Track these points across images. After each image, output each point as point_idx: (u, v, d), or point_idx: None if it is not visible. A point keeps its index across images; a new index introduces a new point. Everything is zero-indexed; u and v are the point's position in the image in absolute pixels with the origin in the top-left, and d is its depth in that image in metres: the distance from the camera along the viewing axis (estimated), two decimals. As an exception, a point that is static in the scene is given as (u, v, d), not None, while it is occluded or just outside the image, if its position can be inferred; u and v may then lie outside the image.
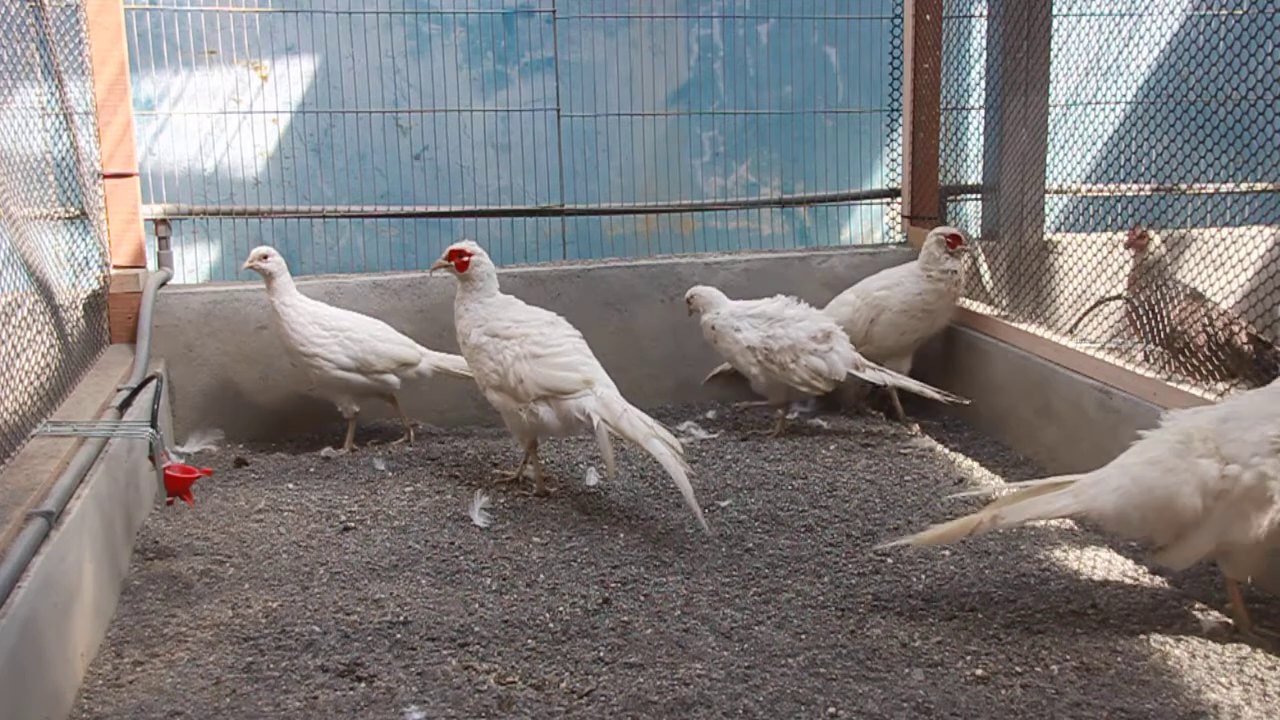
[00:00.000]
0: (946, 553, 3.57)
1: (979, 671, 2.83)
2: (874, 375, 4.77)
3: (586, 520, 3.91)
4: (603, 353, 5.09)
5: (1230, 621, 3.07)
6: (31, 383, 3.37)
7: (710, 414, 5.13)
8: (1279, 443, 2.83)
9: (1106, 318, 4.43)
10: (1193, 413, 3.09)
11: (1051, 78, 5.02)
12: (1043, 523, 3.65)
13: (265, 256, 4.52)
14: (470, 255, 4.15)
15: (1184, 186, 4.03)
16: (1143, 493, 2.96)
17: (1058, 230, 5.31)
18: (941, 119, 5.54)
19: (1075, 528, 3.79)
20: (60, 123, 4.32)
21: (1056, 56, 4.99)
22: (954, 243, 4.86)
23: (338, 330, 4.59)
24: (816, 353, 4.67)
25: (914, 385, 4.78)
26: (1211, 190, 4.19)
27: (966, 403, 4.75)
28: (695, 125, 6.16)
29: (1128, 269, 4.47)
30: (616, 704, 2.69)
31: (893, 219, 5.83)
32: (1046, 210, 5.24)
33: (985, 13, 5.44)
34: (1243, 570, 3.01)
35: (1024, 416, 4.46)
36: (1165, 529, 2.97)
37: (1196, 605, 3.20)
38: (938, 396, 4.74)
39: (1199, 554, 2.97)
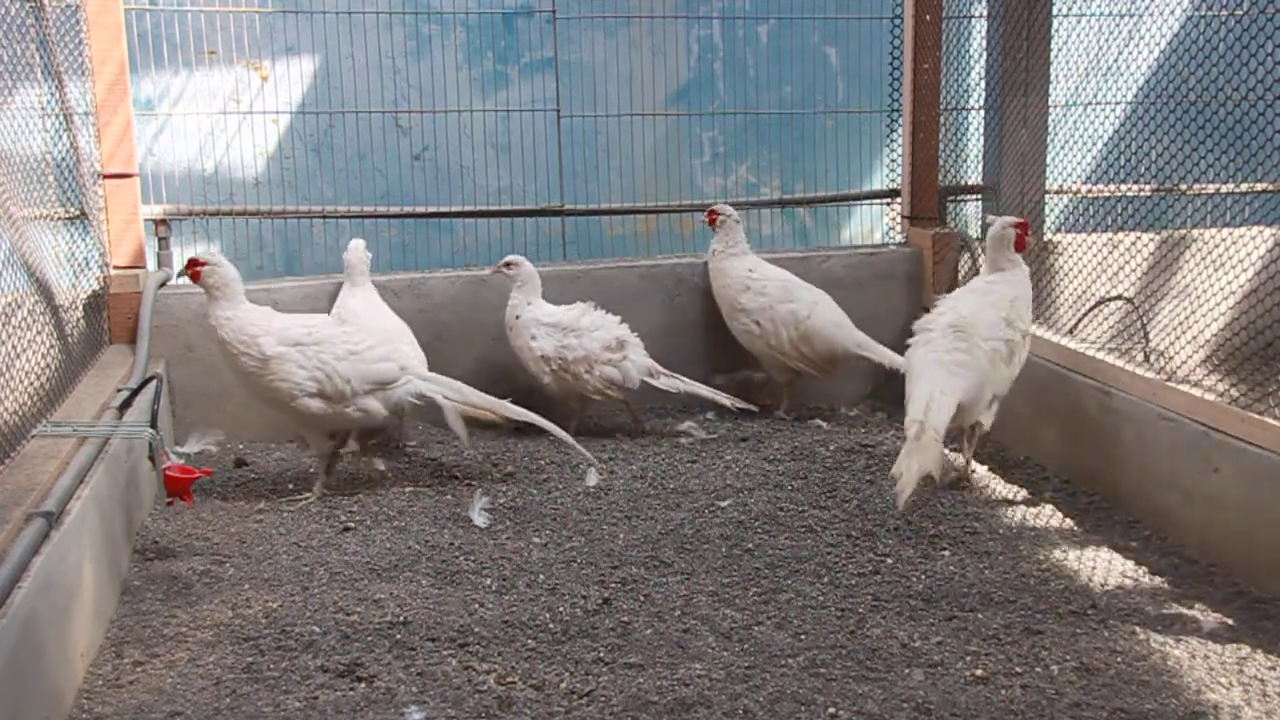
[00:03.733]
0: (946, 552, 3.57)
1: (979, 671, 2.83)
2: (667, 383, 4.79)
3: (586, 520, 3.91)
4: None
5: (1227, 619, 3.08)
6: (31, 383, 3.37)
7: (710, 414, 5.12)
8: (1005, 320, 3.93)
9: (1106, 318, 4.43)
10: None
11: (1051, 78, 5.02)
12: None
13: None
14: (204, 264, 3.97)
15: (1184, 186, 4.03)
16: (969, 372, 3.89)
17: (1058, 230, 5.31)
18: (941, 119, 5.53)
19: (1075, 528, 3.79)
20: (60, 123, 4.32)
21: (1056, 56, 4.99)
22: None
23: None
24: (610, 362, 4.69)
25: (704, 391, 4.82)
26: (1211, 190, 4.19)
27: (755, 409, 4.91)
28: (695, 125, 6.16)
29: None
30: (616, 704, 2.69)
31: (893, 219, 5.83)
32: (1046, 210, 5.25)
33: (985, 13, 5.45)
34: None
35: (1024, 416, 4.46)
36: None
37: (1196, 605, 3.20)
38: (727, 403, 4.85)
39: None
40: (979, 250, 5.26)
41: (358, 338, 4.16)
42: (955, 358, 3.86)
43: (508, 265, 4.71)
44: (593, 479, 4.29)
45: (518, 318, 4.73)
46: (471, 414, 4.22)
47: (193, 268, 4.00)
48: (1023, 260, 4.19)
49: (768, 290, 4.96)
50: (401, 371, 4.14)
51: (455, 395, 4.17)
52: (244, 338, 3.99)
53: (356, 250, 4.79)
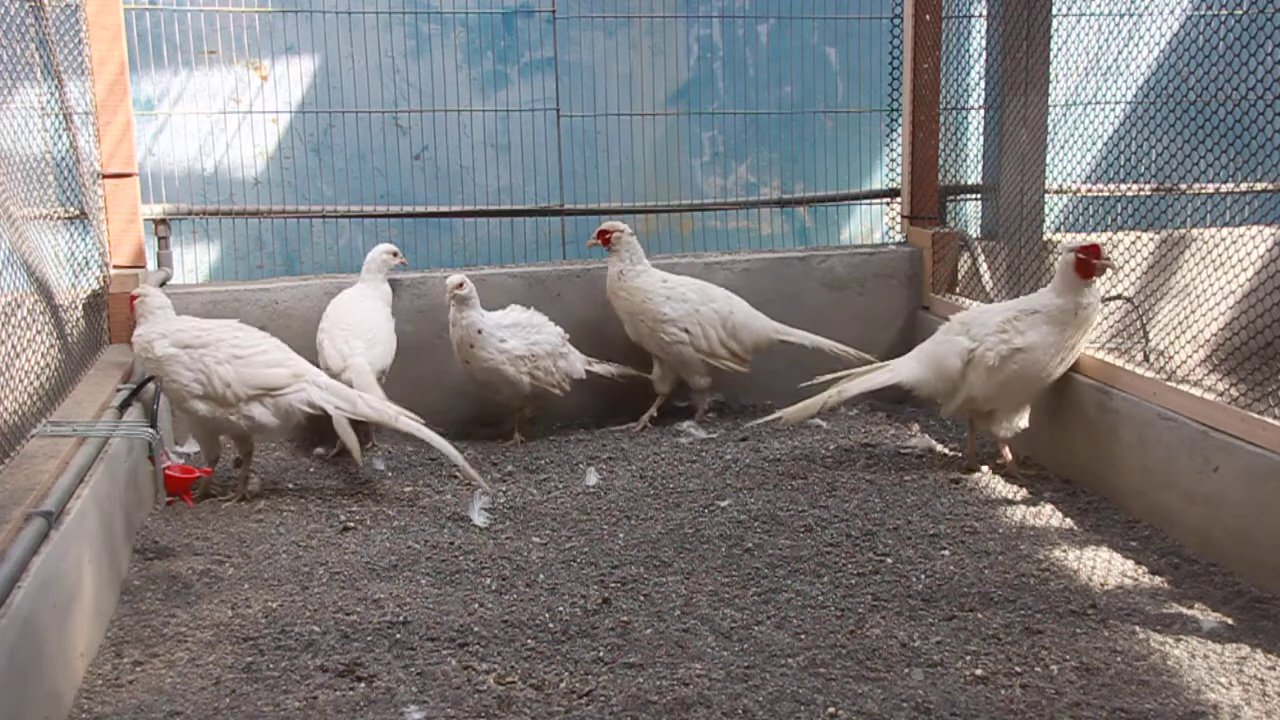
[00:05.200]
0: (946, 552, 3.57)
1: (979, 671, 2.83)
2: (602, 368, 4.97)
3: (586, 520, 3.91)
4: (603, 352, 5.10)
5: (1227, 619, 3.08)
6: (31, 383, 3.37)
7: (711, 414, 5.12)
8: (1003, 326, 4.06)
9: (1106, 317, 4.43)
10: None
11: (1051, 78, 5.02)
12: (864, 390, 4.39)
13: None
14: (135, 297, 4.14)
15: (1184, 186, 4.03)
16: (930, 359, 4.27)
17: (1058, 230, 5.31)
18: (941, 119, 5.54)
19: (1075, 528, 3.79)
20: (60, 123, 4.32)
21: (1056, 56, 4.99)
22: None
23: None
24: (564, 354, 4.81)
25: (632, 371, 5.04)
26: (1211, 190, 4.19)
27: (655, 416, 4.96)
28: (695, 125, 6.15)
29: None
30: (616, 704, 2.69)
31: (892, 219, 5.83)
32: (1046, 210, 5.24)
33: (985, 13, 5.45)
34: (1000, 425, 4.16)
35: (1024, 416, 4.46)
36: (944, 386, 4.22)
37: (1196, 605, 3.20)
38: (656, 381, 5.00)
39: (959, 404, 4.20)
40: (978, 250, 5.26)
41: (250, 342, 4.06)
42: (924, 346, 4.38)
43: (459, 287, 4.57)
44: (593, 479, 4.29)
45: (479, 332, 4.61)
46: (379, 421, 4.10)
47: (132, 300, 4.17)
48: (1088, 288, 3.98)
49: (688, 296, 4.91)
50: (294, 378, 4.01)
51: (346, 405, 4.01)
52: (143, 342, 4.01)
53: (376, 250, 4.84)
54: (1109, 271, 4.03)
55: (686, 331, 4.89)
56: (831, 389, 4.33)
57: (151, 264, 5.01)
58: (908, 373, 4.33)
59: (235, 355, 3.98)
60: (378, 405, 4.04)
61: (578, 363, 4.87)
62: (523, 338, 4.70)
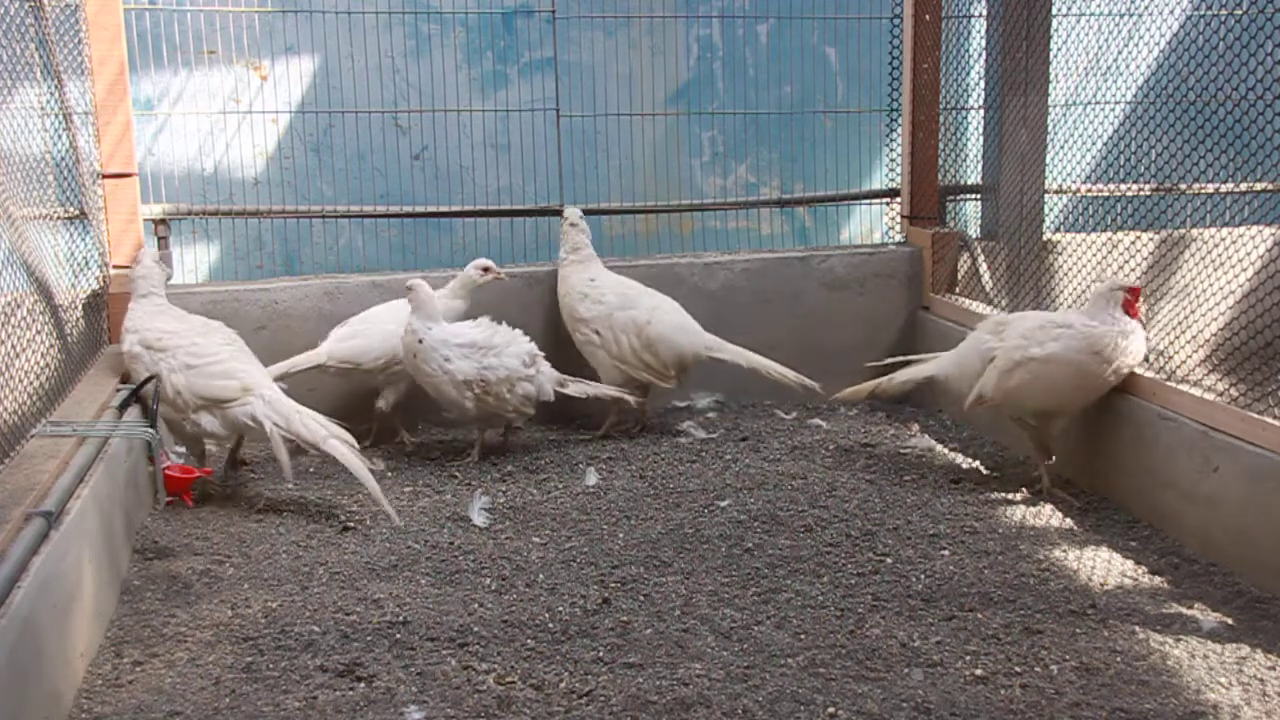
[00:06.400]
0: (946, 552, 3.57)
1: (978, 671, 2.83)
2: (576, 389, 4.64)
3: (586, 520, 3.91)
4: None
5: (1227, 619, 3.08)
6: (31, 383, 3.37)
7: (711, 414, 5.12)
8: (1028, 333, 4.01)
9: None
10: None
11: (1051, 78, 5.02)
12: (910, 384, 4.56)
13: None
14: (134, 261, 4.30)
15: (1184, 186, 4.03)
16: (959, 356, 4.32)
17: (1058, 230, 5.31)
18: (941, 119, 5.54)
19: (1075, 528, 3.79)
20: (60, 123, 4.32)
21: (1056, 56, 4.99)
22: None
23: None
24: (528, 378, 4.47)
25: (611, 392, 4.70)
26: (1211, 190, 4.19)
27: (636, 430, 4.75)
28: (695, 125, 6.15)
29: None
30: (616, 704, 2.69)
31: (892, 219, 5.83)
32: (1046, 210, 5.24)
33: (985, 13, 5.44)
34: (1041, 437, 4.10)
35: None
36: (965, 384, 4.23)
37: (1196, 605, 3.20)
38: (631, 400, 4.70)
39: (972, 399, 4.16)
40: (978, 250, 5.26)
41: (207, 351, 4.03)
42: (961, 344, 4.39)
43: (408, 289, 4.43)
44: (592, 479, 4.28)
45: (420, 342, 4.37)
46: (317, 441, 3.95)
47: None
48: (1125, 318, 3.88)
49: (605, 298, 4.81)
50: (243, 392, 3.96)
51: (282, 423, 3.93)
52: (123, 333, 4.12)
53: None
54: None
55: (598, 334, 4.80)
56: (884, 378, 4.55)
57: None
58: (940, 367, 4.40)
59: (188, 364, 3.98)
60: (311, 425, 3.92)
61: (547, 384, 4.55)
62: (475, 360, 4.37)
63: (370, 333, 4.62)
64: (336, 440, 3.85)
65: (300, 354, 4.62)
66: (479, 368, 4.37)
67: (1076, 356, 3.89)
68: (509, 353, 4.43)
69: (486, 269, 4.77)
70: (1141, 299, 3.95)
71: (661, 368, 4.78)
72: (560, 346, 4.92)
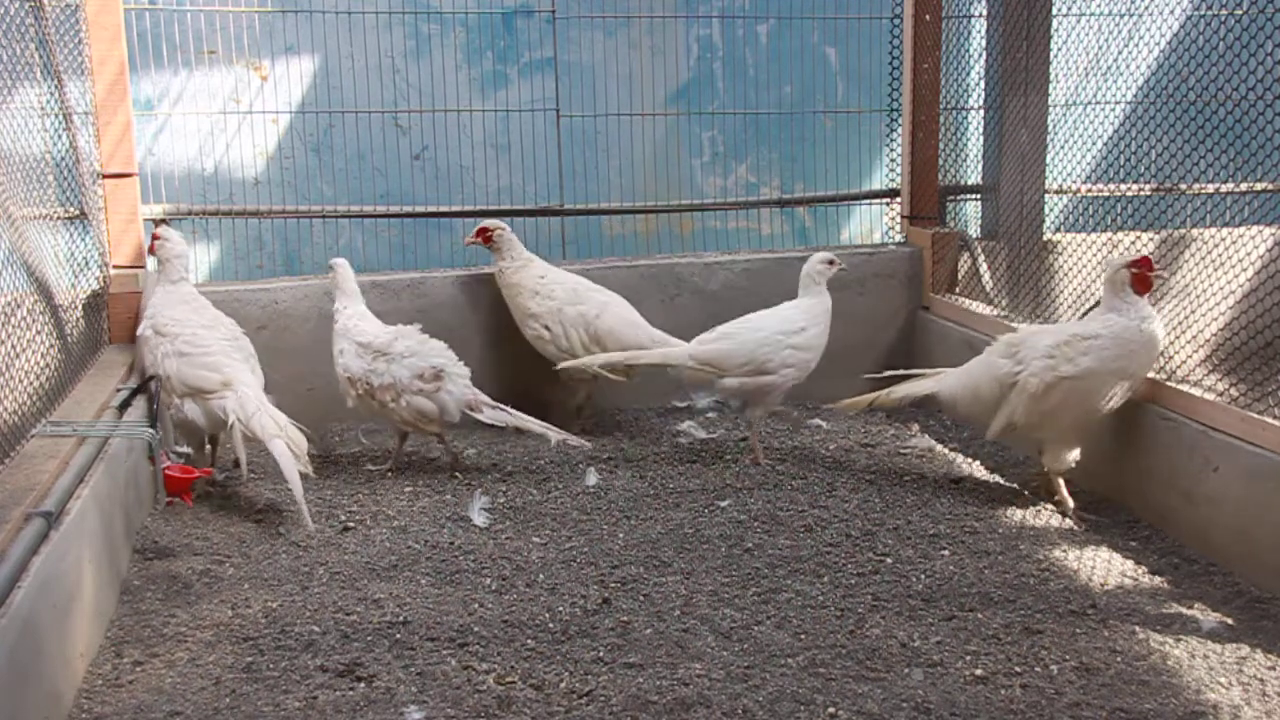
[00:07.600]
0: (946, 552, 3.57)
1: (978, 671, 2.83)
2: (491, 415, 4.30)
3: (586, 520, 3.91)
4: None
5: (1227, 619, 3.08)
6: (31, 383, 3.37)
7: (711, 414, 5.12)
8: (1052, 351, 3.80)
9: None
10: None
11: (1051, 78, 5.02)
12: (910, 395, 4.35)
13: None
14: (158, 238, 4.31)
15: (1184, 186, 4.03)
16: (968, 378, 4.11)
17: (1058, 230, 5.31)
18: (941, 119, 5.54)
19: (1074, 527, 3.79)
20: (60, 123, 4.32)
21: (1056, 56, 4.99)
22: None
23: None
24: (423, 393, 4.25)
25: (535, 426, 4.31)
26: (1211, 190, 4.19)
27: (587, 445, 4.42)
28: (695, 125, 6.15)
29: None
30: (616, 704, 2.69)
31: (892, 219, 5.83)
32: (1046, 210, 5.25)
33: (985, 13, 5.45)
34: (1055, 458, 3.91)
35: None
36: (977, 409, 4.08)
37: (1196, 605, 3.20)
38: (554, 438, 4.30)
39: (1001, 427, 3.98)
40: (978, 250, 5.26)
41: (201, 342, 4.07)
42: (969, 363, 4.20)
43: (330, 269, 4.47)
44: (592, 479, 4.28)
45: (335, 322, 4.43)
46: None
47: (153, 240, 4.35)
48: (1144, 302, 3.73)
49: (555, 294, 4.78)
50: (222, 385, 3.99)
51: (243, 419, 3.93)
52: (143, 317, 4.26)
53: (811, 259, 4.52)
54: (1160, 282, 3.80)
55: (547, 329, 4.78)
56: (882, 391, 4.34)
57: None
58: (946, 387, 4.18)
59: (181, 352, 4.04)
60: (266, 422, 3.91)
61: (453, 404, 4.28)
62: (365, 361, 4.28)
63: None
64: (280, 441, 3.86)
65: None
66: (365, 369, 4.30)
67: (1114, 364, 3.70)
68: (404, 364, 4.26)
69: (831, 262, 4.53)
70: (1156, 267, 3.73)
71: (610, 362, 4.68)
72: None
